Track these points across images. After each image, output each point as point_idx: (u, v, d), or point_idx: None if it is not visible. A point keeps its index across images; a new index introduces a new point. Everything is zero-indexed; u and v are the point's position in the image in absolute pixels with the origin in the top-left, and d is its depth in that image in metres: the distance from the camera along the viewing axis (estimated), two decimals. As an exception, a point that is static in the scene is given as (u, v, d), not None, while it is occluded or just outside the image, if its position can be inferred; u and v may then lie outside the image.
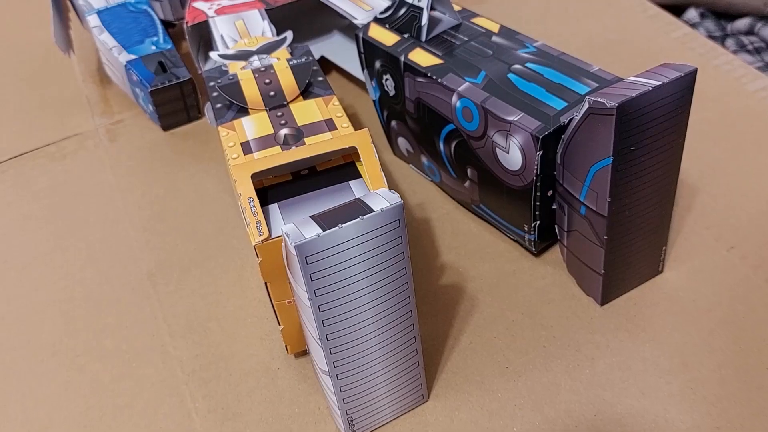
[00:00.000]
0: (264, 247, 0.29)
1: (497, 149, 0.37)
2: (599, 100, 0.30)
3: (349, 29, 0.54)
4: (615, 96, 0.30)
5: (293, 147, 0.34)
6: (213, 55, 0.41)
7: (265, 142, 0.35)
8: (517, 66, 0.38)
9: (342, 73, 0.54)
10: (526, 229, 0.38)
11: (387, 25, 0.43)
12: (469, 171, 0.40)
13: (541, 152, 0.34)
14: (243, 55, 0.41)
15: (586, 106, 0.31)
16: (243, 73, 0.39)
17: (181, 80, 0.48)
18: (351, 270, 0.26)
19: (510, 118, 0.35)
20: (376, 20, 0.44)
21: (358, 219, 0.25)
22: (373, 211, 0.26)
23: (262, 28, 0.45)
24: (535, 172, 0.35)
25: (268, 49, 0.41)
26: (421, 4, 0.40)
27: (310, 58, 0.40)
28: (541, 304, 0.38)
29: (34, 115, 0.55)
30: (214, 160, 0.49)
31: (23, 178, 0.49)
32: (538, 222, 0.38)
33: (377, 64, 0.43)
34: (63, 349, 0.38)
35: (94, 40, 0.52)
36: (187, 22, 0.49)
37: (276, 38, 0.42)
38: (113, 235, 0.44)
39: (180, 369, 0.36)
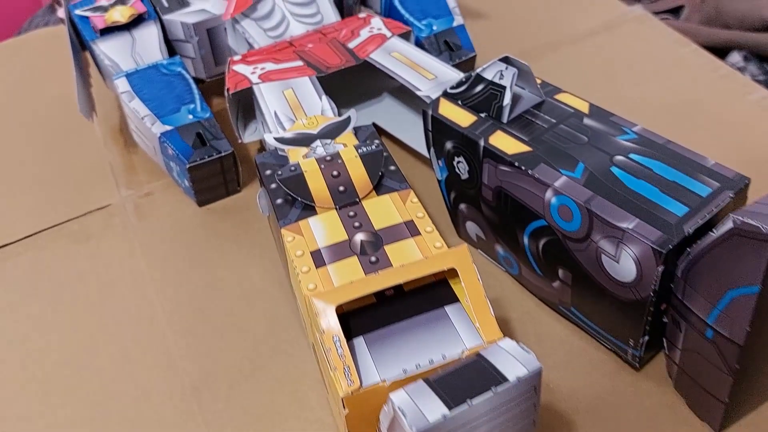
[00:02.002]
0: (354, 399, 0.25)
1: (603, 255, 0.32)
2: (752, 223, 0.25)
3: (400, 92, 0.49)
4: (771, 218, 0.25)
5: (376, 263, 0.29)
6: (269, 138, 0.37)
7: (340, 250, 0.30)
8: (619, 157, 0.34)
9: (390, 134, 0.50)
10: (631, 343, 0.33)
11: (459, 102, 0.38)
12: (560, 272, 0.35)
13: (662, 268, 0.29)
14: (304, 140, 0.36)
15: (730, 225, 0.26)
16: (306, 163, 0.34)
17: (222, 154, 0.43)
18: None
19: (623, 225, 0.30)
20: (446, 95, 0.39)
21: (489, 392, 0.21)
22: (507, 379, 0.21)
23: (320, 106, 0.40)
24: (652, 288, 0.30)
25: (332, 132, 0.37)
26: (503, 82, 0.36)
27: (380, 144, 0.36)
28: (648, 430, 0.33)
29: (52, 185, 0.50)
30: (259, 244, 0.44)
31: (41, 264, 0.44)
32: (646, 338, 0.33)
33: (448, 145, 0.38)
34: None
35: (120, 102, 0.47)
36: (228, 89, 0.44)
37: (339, 119, 0.38)
38: (149, 337, 0.39)
39: None
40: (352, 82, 0.49)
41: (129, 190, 0.49)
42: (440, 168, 0.40)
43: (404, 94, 0.48)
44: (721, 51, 0.85)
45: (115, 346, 0.39)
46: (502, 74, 0.36)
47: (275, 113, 0.40)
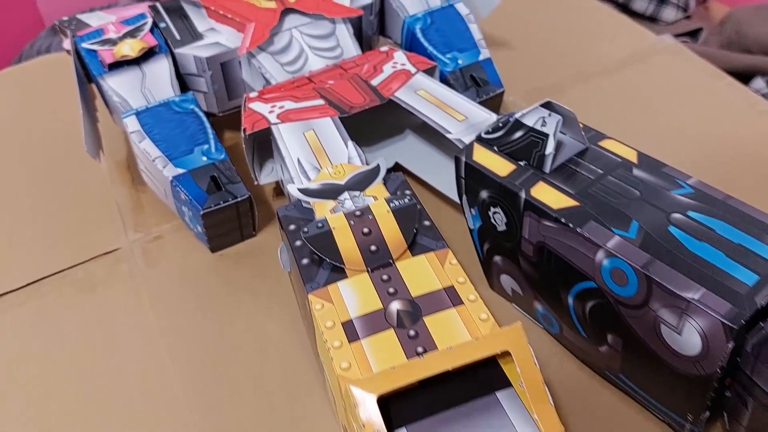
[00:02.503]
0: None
1: (662, 325, 0.29)
2: None
3: (423, 129, 0.47)
4: None
5: (416, 338, 0.26)
6: (292, 190, 0.34)
7: (374, 322, 0.27)
8: (677, 215, 0.31)
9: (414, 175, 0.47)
10: (689, 418, 0.31)
11: (495, 148, 0.36)
12: (609, 337, 0.32)
13: (732, 344, 0.27)
14: (331, 192, 0.33)
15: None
16: (334, 218, 0.31)
17: (239, 200, 0.41)
18: None
19: (688, 296, 0.27)
20: (481, 140, 0.36)
21: None
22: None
23: (346, 153, 0.37)
24: (719, 364, 0.27)
25: (360, 183, 0.34)
26: (545, 130, 0.33)
27: (413, 196, 0.33)
28: None
29: (55, 226, 0.47)
30: (276, 294, 0.41)
31: (43, 315, 0.41)
32: (707, 414, 0.30)
33: (483, 194, 0.36)
34: None
35: (129, 142, 0.45)
36: (244, 129, 0.41)
37: (367, 168, 0.35)
38: (158, 396, 0.36)
39: None
40: (373, 119, 0.47)
41: (137, 232, 0.46)
42: (473, 217, 0.38)
43: (428, 132, 0.45)
44: (742, 75, 0.83)
45: (122, 404, 0.36)
46: (544, 121, 0.33)
47: (298, 161, 0.37)
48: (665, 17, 1.00)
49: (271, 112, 0.42)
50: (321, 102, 0.42)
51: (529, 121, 0.34)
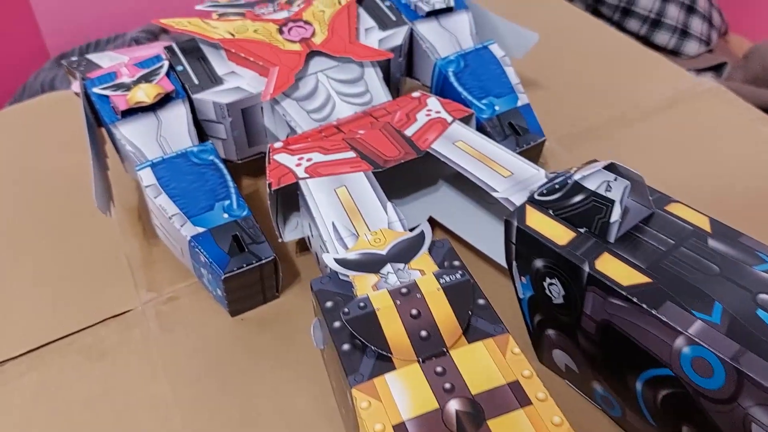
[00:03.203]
0: None
1: (753, 425, 0.26)
2: None
3: (458, 180, 0.43)
4: None
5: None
6: (329, 261, 0.30)
7: (431, 425, 0.24)
8: (765, 296, 0.27)
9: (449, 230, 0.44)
10: None
11: (551, 212, 0.32)
12: (685, 429, 0.29)
13: None
14: (371, 263, 0.30)
15: None
16: (378, 297, 0.28)
17: (263, 262, 0.37)
18: None
19: (790, 396, 0.24)
20: (534, 202, 0.33)
21: None
22: None
23: (383, 216, 0.34)
24: (828, 475, 0.24)
25: (404, 253, 0.30)
26: (611, 196, 0.30)
27: (465, 270, 0.29)
28: None
29: (59, 284, 0.43)
30: (304, 363, 0.37)
31: (47, 386, 0.37)
32: None
33: (538, 263, 0.32)
34: None
35: (140, 190, 0.41)
36: (270, 184, 0.38)
37: (410, 235, 0.31)
38: (177, 492, 0.33)
39: None
40: (404, 169, 0.44)
41: (150, 292, 0.42)
42: (523, 285, 0.34)
43: (463, 183, 0.42)
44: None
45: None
46: (609, 185, 0.30)
47: (333, 225, 0.34)
48: (688, 51, 0.97)
49: (298, 165, 0.39)
50: (352, 155, 0.39)
51: (591, 185, 0.31)
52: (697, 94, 0.55)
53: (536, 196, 0.33)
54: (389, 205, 0.34)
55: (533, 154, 0.45)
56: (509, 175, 0.37)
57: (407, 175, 0.44)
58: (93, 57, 0.48)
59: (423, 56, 0.49)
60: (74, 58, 0.47)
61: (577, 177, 0.31)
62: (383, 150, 0.39)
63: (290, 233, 0.41)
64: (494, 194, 0.36)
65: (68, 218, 0.48)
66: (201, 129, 0.45)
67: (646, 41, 0.99)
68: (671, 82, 0.56)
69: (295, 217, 0.42)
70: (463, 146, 0.39)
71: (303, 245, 0.44)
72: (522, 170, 0.37)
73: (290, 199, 0.41)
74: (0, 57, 0.97)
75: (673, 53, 0.99)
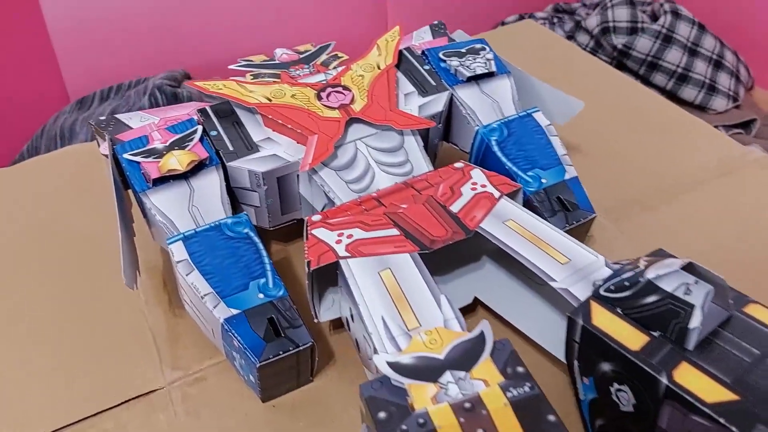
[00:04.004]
0: None
1: None
2: None
3: (502, 257, 0.41)
4: None
5: None
6: (380, 364, 0.28)
7: None
8: None
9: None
10: None
11: (619, 311, 0.30)
12: None
13: None
14: (429, 370, 0.28)
15: None
16: (439, 413, 0.25)
17: (300, 348, 0.35)
18: None
19: None
20: (600, 299, 0.31)
21: None
22: None
23: (437, 311, 0.31)
24: None
25: (464, 359, 0.28)
26: (691, 300, 0.27)
27: (532, 381, 0.27)
28: None
29: (78, 358, 0.41)
30: (341, 463, 0.35)
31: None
32: None
33: (605, 367, 0.30)
34: None
35: (172, 267, 0.39)
36: (308, 262, 0.36)
37: (469, 336, 0.29)
38: None
39: None
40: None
41: (175, 371, 0.40)
42: (585, 386, 0.32)
43: (508, 259, 0.39)
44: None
45: None
46: (689, 289, 0.28)
47: (383, 320, 0.31)
48: (715, 106, 0.96)
49: (338, 241, 0.37)
50: (395, 232, 0.37)
51: (667, 286, 0.28)
52: (745, 165, 0.53)
53: (602, 292, 0.31)
54: (443, 298, 0.32)
55: (582, 231, 0.43)
56: (566, 261, 0.34)
57: (449, 249, 0.42)
58: (123, 117, 0.46)
59: (462, 122, 0.47)
60: (102, 118, 0.46)
61: (650, 275, 0.29)
62: (429, 228, 0.37)
63: (326, 312, 0.39)
64: (553, 284, 0.33)
65: (88, 284, 0.46)
66: (233, 195, 0.43)
67: (672, 96, 0.97)
68: (718, 151, 0.54)
69: (331, 294, 0.40)
70: (513, 226, 0.37)
71: (337, 321, 0.41)
72: (580, 256, 0.35)
73: (326, 273, 0.39)
74: (19, 96, 0.96)
75: (700, 108, 0.98)
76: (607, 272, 0.33)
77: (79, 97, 0.94)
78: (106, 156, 0.44)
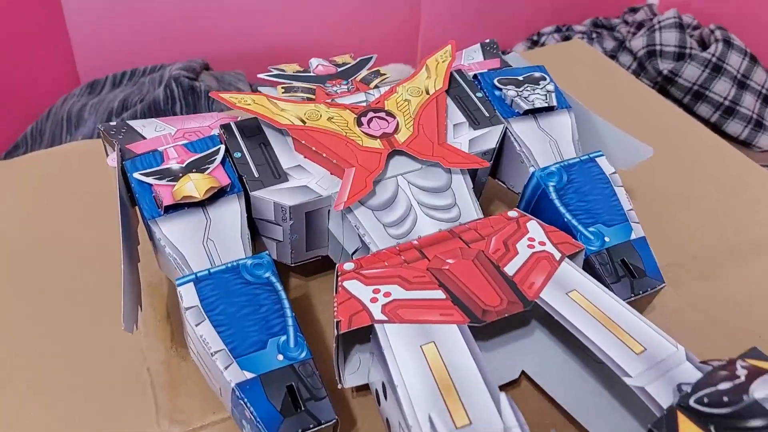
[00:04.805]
0: None
1: None
2: None
3: (556, 325, 0.36)
4: None
5: None
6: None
7: None
8: None
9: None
10: None
11: (713, 428, 0.25)
12: None
13: None
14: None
15: None
16: None
17: (323, 426, 0.30)
18: None
19: None
20: (688, 410, 0.26)
21: None
22: None
23: (500, 425, 0.26)
24: None
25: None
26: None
27: None
28: None
29: (64, 400, 0.36)
30: None
31: None
32: None
33: (692, 496, 0.25)
34: None
35: (181, 314, 0.34)
36: (339, 323, 0.31)
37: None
38: None
39: None
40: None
41: (174, 425, 0.35)
42: None
43: (562, 328, 0.34)
44: None
45: None
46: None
47: (430, 419, 0.26)
48: (761, 143, 0.90)
49: (373, 300, 0.32)
50: (441, 295, 0.32)
51: (781, 411, 0.23)
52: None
53: (693, 403, 0.26)
54: (504, 399, 0.27)
55: (644, 302, 0.38)
56: (641, 351, 0.29)
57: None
58: (135, 124, 0.41)
59: (515, 159, 0.42)
60: (113, 123, 0.41)
61: (759, 395, 0.24)
62: (480, 294, 0.32)
63: (352, 377, 0.34)
64: (627, 380, 0.28)
65: (81, 307, 0.41)
66: (252, 225, 0.38)
67: (716, 129, 0.92)
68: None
69: (358, 353, 0.35)
70: (578, 299, 0.32)
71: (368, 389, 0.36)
72: (657, 345, 0.30)
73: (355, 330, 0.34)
74: (28, 75, 0.91)
75: (745, 144, 0.92)
76: (691, 370, 0.28)
77: (90, 80, 0.89)
78: (115, 168, 0.39)
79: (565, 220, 0.38)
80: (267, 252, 0.35)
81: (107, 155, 0.41)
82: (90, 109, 0.82)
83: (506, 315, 0.31)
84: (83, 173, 0.52)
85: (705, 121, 0.93)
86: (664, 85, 0.94)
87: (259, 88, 0.45)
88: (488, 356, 0.35)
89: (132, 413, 0.36)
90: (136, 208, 0.38)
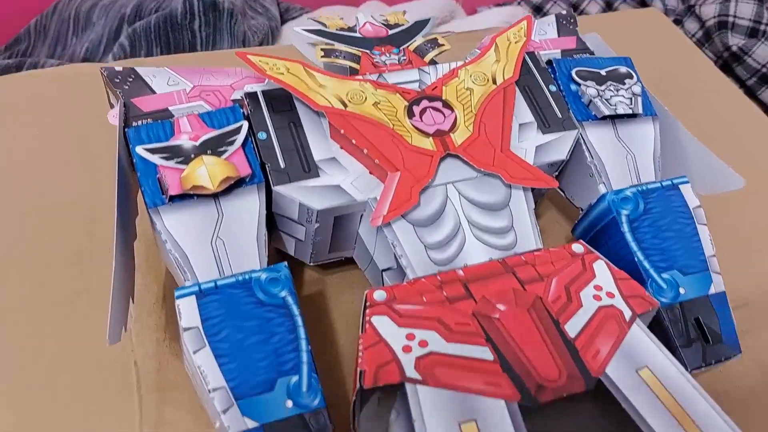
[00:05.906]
0: None
1: None
2: None
3: (607, 400, 0.31)
4: None
5: None
6: None
7: None
8: None
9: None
10: None
11: None
12: None
13: None
14: None
15: None
16: None
17: (332, 496, 0.25)
18: None
19: None
20: None
21: None
22: None
23: None
24: None
25: None
26: None
27: None
28: None
29: (39, 400, 0.32)
30: None
31: None
32: None
33: None
34: None
35: (180, 340, 0.29)
36: (363, 373, 0.26)
37: None
38: None
39: None
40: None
41: (159, 446, 0.31)
42: None
43: (616, 409, 0.30)
44: None
45: None
46: None
47: None
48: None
49: (407, 349, 0.27)
50: (489, 355, 0.26)
51: None
52: None
53: None
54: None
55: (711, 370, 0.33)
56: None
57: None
58: (144, 71, 0.34)
59: (583, 171, 0.36)
60: (118, 68, 0.34)
61: None
62: (536, 361, 0.27)
63: (367, 423, 0.29)
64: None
65: (65, 285, 0.36)
66: (270, 218, 0.32)
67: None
68: None
69: (377, 394, 0.30)
70: (650, 380, 0.27)
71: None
72: (736, 455, 0.25)
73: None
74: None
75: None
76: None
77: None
78: (117, 125, 0.33)
79: (636, 259, 0.33)
80: (285, 264, 0.29)
81: (110, 105, 0.35)
82: (100, 11, 0.74)
83: (564, 395, 0.26)
84: (78, 111, 0.45)
85: (766, 108, 0.85)
86: (729, 62, 0.86)
87: (289, 25, 0.38)
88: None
89: (111, 417, 0.31)
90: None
